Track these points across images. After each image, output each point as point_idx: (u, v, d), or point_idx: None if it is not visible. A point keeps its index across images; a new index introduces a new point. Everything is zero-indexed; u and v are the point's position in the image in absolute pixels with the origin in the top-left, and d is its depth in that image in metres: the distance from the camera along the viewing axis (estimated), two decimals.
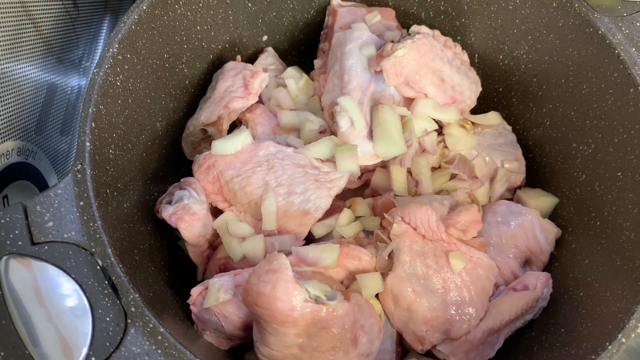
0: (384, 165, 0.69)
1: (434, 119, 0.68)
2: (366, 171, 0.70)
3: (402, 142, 0.64)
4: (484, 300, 0.58)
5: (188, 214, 0.58)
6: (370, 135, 0.65)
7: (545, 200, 0.69)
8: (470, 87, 0.71)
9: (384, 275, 0.57)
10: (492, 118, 0.74)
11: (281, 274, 0.48)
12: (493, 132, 0.73)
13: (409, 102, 0.68)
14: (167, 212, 0.59)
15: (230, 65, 0.71)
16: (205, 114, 0.67)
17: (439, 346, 0.57)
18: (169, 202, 0.61)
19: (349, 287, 0.58)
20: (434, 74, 0.67)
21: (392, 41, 0.65)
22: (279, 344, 0.50)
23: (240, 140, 0.63)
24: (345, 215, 0.64)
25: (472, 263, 0.58)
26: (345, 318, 0.50)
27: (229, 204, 0.63)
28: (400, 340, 0.59)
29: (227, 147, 0.62)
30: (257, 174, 0.61)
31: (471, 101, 0.72)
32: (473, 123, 0.73)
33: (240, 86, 0.68)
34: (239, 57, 0.72)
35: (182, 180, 0.63)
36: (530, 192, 0.71)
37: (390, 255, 0.58)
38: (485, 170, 0.69)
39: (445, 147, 0.70)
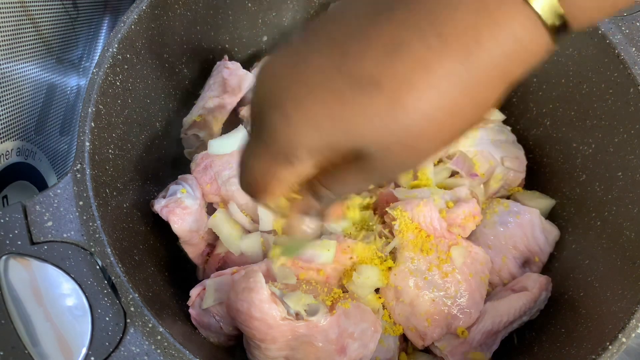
0: None
1: None
2: None
3: None
4: (483, 293, 0.59)
5: (179, 207, 0.58)
6: None
7: (542, 202, 0.68)
8: None
9: (384, 270, 0.57)
10: (495, 113, 0.74)
11: (256, 293, 0.48)
12: (495, 127, 0.73)
13: None
14: (159, 205, 0.59)
15: (216, 64, 0.71)
16: (187, 117, 0.67)
17: (438, 343, 0.57)
18: (164, 197, 0.61)
19: (345, 285, 0.57)
20: None
21: None
22: (264, 357, 0.51)
23: (237, 139, 0.62)
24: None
25: (471, 257, 0.59)
26: (329, 330, 0.50)
27: (226, 204, 0.63)
28: (404, 336, 0.59)
29: (224, 146, 0.62)
30: None
31: None
32: None
33: (219, 85, 0.68)
34: (226, 57, 0.72)
35: (179, 177, 0.63)
36: (526, 194, 0.70)
37: (392, 251, 0.58)
38: (486, 167, 0.69)
39: None
